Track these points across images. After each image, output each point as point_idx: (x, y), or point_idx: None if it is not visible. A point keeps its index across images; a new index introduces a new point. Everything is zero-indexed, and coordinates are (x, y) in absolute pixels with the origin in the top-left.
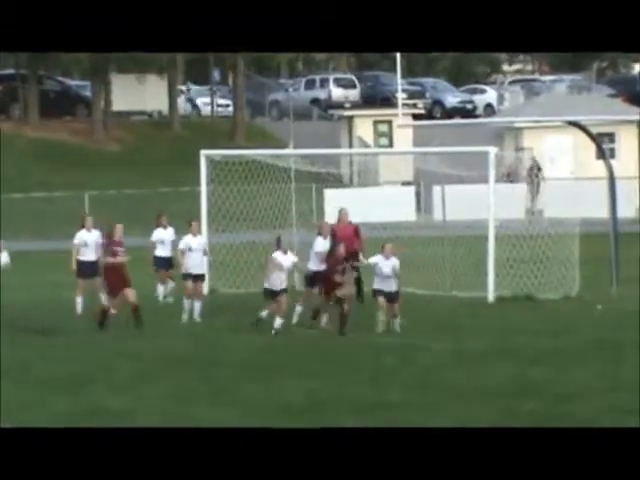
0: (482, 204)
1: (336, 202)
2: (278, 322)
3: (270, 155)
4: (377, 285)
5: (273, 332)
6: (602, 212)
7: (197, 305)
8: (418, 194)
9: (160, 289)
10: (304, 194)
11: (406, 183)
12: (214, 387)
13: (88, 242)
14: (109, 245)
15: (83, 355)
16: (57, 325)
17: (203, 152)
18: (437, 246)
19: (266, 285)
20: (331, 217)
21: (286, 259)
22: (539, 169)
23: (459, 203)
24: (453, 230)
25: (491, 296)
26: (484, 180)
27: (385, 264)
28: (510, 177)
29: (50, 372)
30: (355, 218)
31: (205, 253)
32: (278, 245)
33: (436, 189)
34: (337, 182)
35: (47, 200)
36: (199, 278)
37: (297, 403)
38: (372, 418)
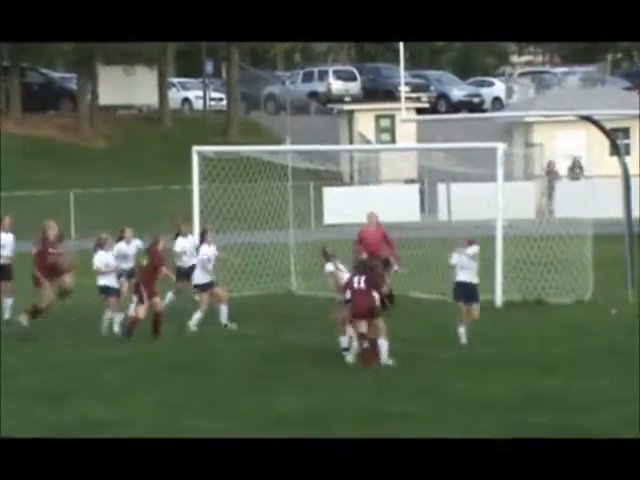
0: (490, 203)
1: (335, 201)
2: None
3: (266, 151)
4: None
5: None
6: (616, 212)
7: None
8: (422, 193)
9: (169, 297)
10: (302, 193)
11: (409, 181)
12: (207, 397)
13: (128, 254)
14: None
15: (69, 362)
16: (43, 331)
17: (195, 148)
18: (442, 248)
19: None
20: (330, 218)
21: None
22: (581, 168)
23: (465, 202)
24: (459, 231)
25: (499, 300)
26: (492, 178)
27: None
28: (550, 175)
29: (35, 380)
30: (355, 219)
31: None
32: (326, 258)
33: (441, 187)
34: (336, 180)
35: (30, 199)
36: (209, 286)
37: (294, 414)
38: (373, 429)
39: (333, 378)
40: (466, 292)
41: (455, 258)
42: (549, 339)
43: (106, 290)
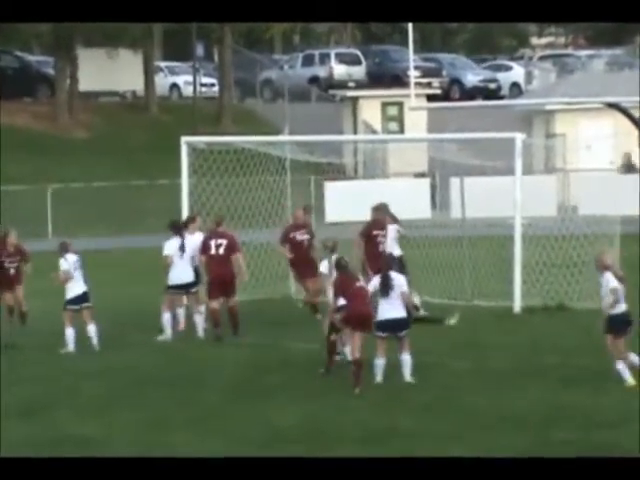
0: (507, 199)
1: (338, 197)
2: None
3: (262, 142)
4: None
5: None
6: None
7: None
8: (433, 187)
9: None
10: (301, 188)
11: (419, 175)
12: (196, 411)
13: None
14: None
15: (47, 374)
16: (18, 340)
17: (184, 139)
18: (455, 248)
19: None
20: (333, 215)
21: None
22: None
23: (481, 198)
24: (473, 229)
25: (518, 306)
26: (510, 171)
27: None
28: (627, 169)
29: (9, 394)
30: (360, 215)
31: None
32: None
33: (454, 182)
34: (339, 174)
35: (4, 194)
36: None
37: (293, 429)
38: (379, 447)
39: (335, 390)
40: (624, 324)
41: (613, 281)
42: (572, 348)
43: (84, 298)
